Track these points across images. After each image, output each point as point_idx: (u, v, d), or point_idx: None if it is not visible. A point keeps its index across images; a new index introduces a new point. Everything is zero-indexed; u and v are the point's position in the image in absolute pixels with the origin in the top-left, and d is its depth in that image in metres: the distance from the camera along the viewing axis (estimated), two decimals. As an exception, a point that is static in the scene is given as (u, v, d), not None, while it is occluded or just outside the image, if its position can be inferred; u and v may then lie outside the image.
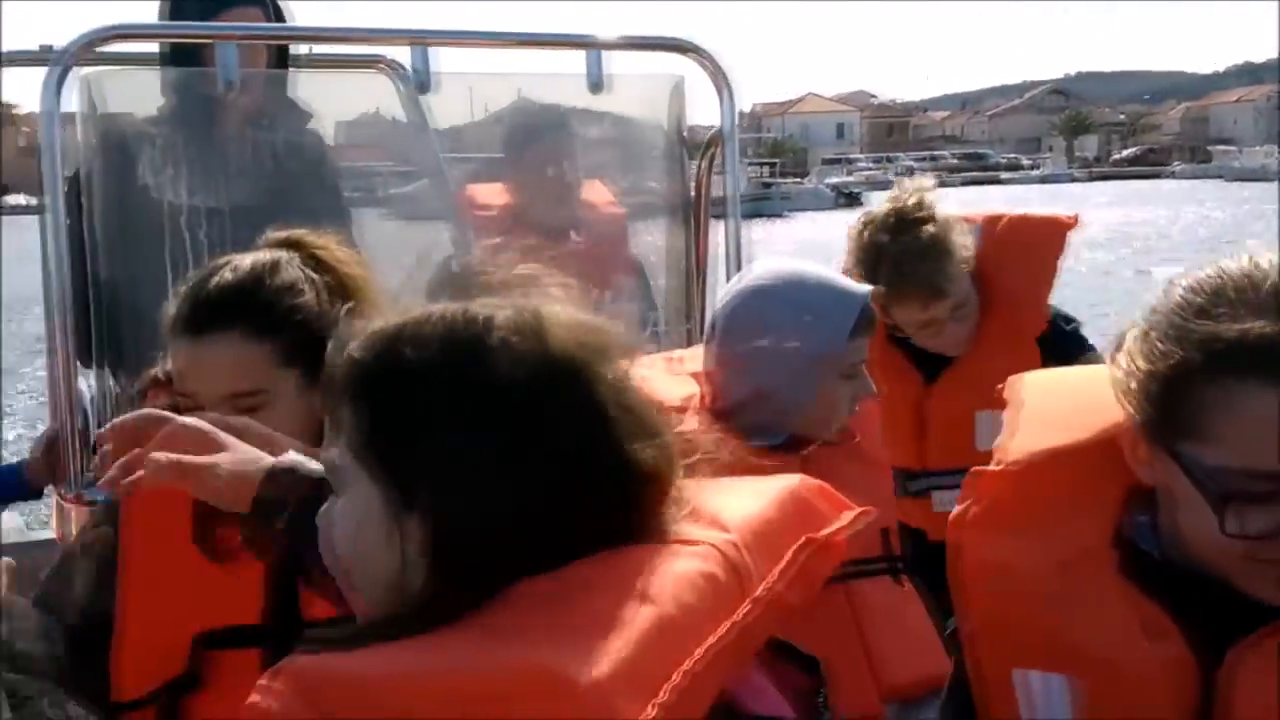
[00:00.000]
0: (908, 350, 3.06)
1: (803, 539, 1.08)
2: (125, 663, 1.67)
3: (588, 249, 3.32)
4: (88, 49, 2.73)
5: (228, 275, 1.76)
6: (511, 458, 1.00)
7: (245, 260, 1.78)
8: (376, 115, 3.78)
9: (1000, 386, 1.53)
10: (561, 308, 1.09)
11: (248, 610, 1.67)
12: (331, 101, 3.31)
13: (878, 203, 3.04)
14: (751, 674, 1.11)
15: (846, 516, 1.13)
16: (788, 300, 2.09)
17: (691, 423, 1.92)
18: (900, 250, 2.82)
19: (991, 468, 1.38)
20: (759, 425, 2.04)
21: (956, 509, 1.36)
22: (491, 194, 3.41)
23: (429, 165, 3.53)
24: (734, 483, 1.15)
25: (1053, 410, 1.42)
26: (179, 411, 1.86)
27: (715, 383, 2.11)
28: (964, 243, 2.91)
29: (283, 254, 1.81)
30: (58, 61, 2.69)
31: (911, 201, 2.90)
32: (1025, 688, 1.29)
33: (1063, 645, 1.27)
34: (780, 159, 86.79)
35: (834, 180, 73.51)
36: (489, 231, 3.32)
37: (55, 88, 2.67)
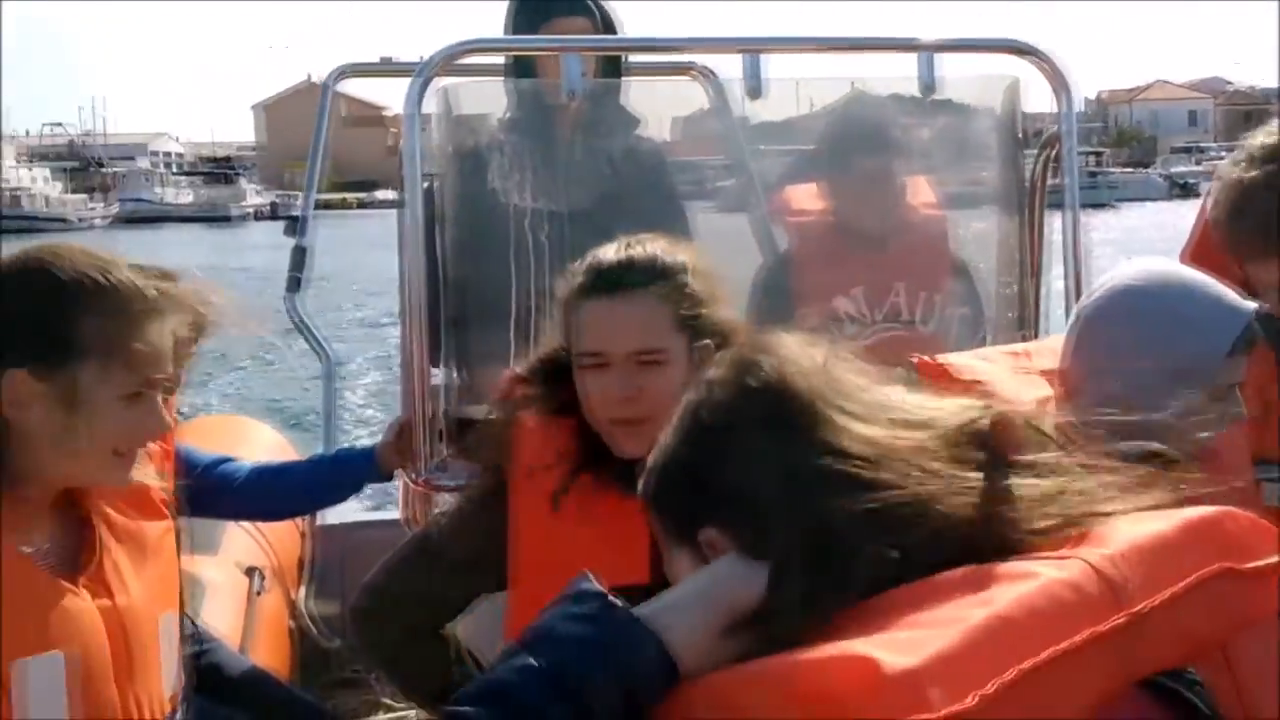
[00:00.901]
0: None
1: (1216, 566, 1.03)
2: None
3: (911, 252, 3.27)
4: (448, 61, 2.92)
5: (627, 251, 2.02)
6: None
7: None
8: (692, 117, 3.87)
9: None
10: (788, 349, 1.17)
11: (637, 570, 1.80)
12: (649, 107, 3.39)
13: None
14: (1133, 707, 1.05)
15: None
16: (1164, 306, 1.94)
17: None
18: (1271, 192, 2.29)
19: None
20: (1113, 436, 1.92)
21: None
22: (809, 197, 3.36)
23: (740, 166, 3.58)
24: (1147, 514, 1.11)
25: None
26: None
27: (1069, 383, 1.97)
28: None
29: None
30: (420, 73, 2.88)
31: None
32: None
33: None
34: (1126, 147, 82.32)
35: (1180, 169, 69.11)
36: (805, 236, 3.33)
37: (417, 97, 2.86)
